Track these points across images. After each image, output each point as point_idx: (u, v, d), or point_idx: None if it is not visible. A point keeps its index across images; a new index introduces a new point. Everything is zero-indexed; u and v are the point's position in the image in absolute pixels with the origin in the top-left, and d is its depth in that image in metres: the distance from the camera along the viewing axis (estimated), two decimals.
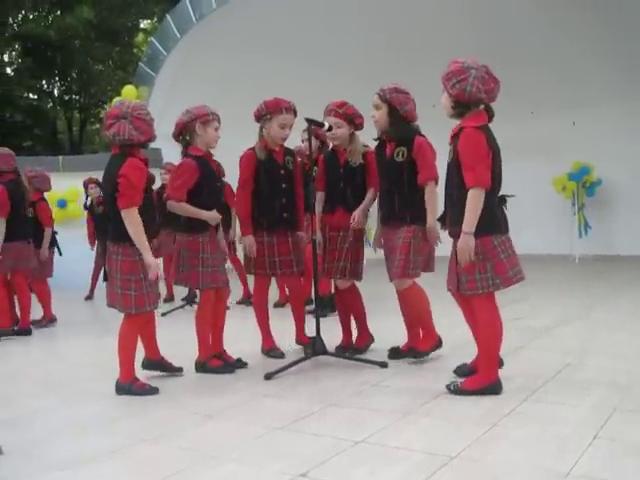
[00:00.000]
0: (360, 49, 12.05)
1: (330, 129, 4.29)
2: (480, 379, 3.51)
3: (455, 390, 3.51)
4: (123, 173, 3.70)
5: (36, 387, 4.28)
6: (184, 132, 4.25)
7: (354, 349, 4.59)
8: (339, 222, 4.46)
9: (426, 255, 4.18)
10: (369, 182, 4.45)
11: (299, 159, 4.84)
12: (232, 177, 5.07)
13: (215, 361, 4.31)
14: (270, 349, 4.68)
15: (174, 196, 4.18)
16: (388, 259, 4.25)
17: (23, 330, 6.32)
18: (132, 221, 3.72)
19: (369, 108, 4.23)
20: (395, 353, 4.37)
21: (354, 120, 4.41)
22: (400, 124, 4.13)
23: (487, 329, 3.48)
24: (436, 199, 4.04)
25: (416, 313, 4.26)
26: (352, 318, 4.69)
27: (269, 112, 4.44)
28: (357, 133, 4.49)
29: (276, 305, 6.85)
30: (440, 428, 3.01)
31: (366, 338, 4.66)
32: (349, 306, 4.64)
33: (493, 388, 3.46)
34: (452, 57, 3.44)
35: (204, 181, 4.20)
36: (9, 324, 6.35)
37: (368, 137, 4.47)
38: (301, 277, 4.76)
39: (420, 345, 4.29)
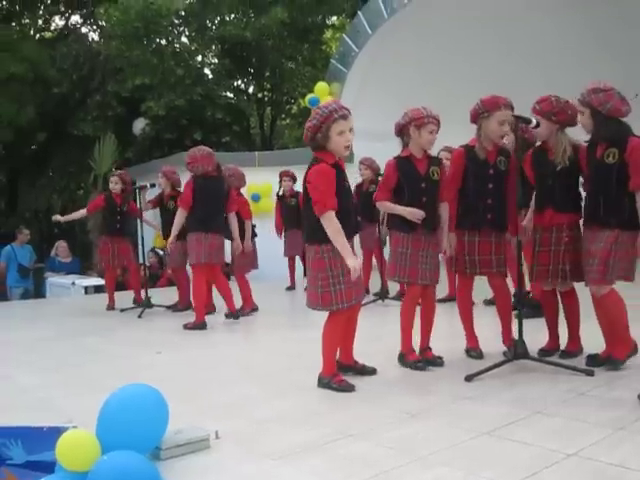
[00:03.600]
0: (568, 45, 11.53)
1: (537, 126, 4.12)
2: None
3: None
4: (309, 179, 3.84)
5: (241, 376, 4.55)
6: (401, 134, 4.37)
7: (566, 353, 4.45)
8: (549, 222, 4.32)
9: (627, 263, 3.97)
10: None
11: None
12: None
13: (413, 355, 4.39)
14: (471, 348, 4.66)
15: (377, 197, 4.38)
16: (586, 263, 4.07)
17: (232, 314, 6.74)
18: (328, 225, 3.75)
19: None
20: (594, 360, 4.17)
21: (554, 117, 4.19)
22: (606, 124, 3.94)
23: None
24: None
25: (610, 321, 4.08)
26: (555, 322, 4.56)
27: (487, 110, 4.36)
28: (566, 131, 4.26)
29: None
30: None
31: (578, 344, 4.50)
32: (567, 310, 4.49)
33: None
34: None
35: (404, 181, 4.31)
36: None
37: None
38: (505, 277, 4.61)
39: (615, 353, 4.10)
